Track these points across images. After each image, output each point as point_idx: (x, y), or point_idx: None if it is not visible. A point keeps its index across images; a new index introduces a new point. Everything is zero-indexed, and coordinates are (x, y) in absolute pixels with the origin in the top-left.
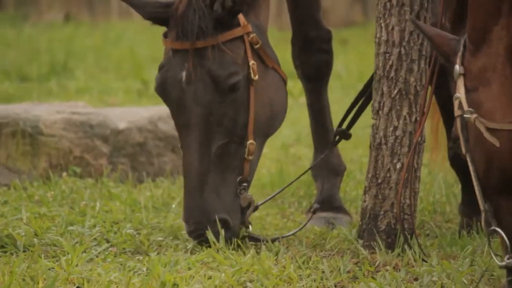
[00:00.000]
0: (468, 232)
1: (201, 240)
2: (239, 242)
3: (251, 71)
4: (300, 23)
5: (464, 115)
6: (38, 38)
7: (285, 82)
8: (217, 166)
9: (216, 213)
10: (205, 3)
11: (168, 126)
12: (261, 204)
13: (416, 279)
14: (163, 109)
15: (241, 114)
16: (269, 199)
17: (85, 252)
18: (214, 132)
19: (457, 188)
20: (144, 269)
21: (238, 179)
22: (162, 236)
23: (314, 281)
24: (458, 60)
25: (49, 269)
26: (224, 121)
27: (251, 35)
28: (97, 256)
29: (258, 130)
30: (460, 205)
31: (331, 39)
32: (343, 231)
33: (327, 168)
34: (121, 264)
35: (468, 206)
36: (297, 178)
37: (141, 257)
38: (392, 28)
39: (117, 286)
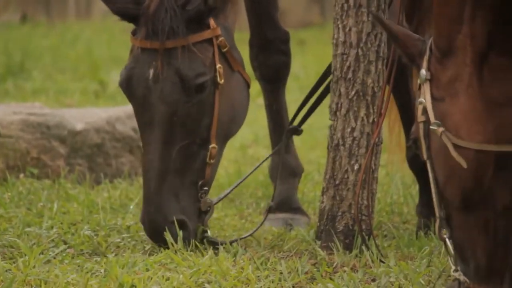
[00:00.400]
0: (426, 233)
1: (159, 241)
2: (197, 243)
3: (218, 74)
4: (259, 24)
5: (430, 126)
6: None
7: (248, 86)
8: (178, 167)
9: (173, 214)
10: (177, 3)
11: (126, 127)
12: (217, 202)
13: (373, 280)
14: (120, 110)
15: (205, 117)
16: (224, 196)
17: (42, 253)
18: (177, 132)
19: (415, 189)
20: (102, 270)
21: (200, 183)
22: (120, 237)
23: (272, 282)
24: (425, 64)
25: (6, 271)
26: (188, 122)
27: (220, 38)
28: (54, 258)
29: (220, 133)
30: (417, 206)
31: (289, 40)
32: (301, 232)
33: (285, 169)
34: (78, 266)
35: (426, 207)
36: (249, 174)
37: (99, 259)
38: (350, 29)
39: None
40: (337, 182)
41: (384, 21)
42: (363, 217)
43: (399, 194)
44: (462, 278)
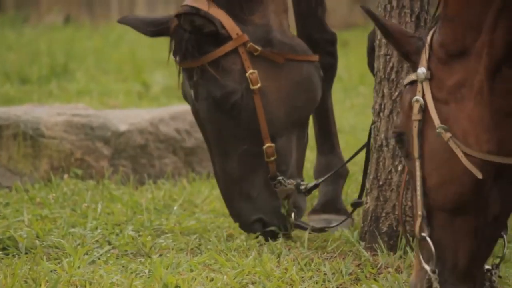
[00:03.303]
0: None
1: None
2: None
3: (250, 81)
4: (305, 25)
5: (437, 130)
6: (38, 40)
7: (310, 62)
8: (244, 172)
9: (251, 215)
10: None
11: (169, 128)
12: (311, 189)
13: None
14: (164, 111)
15: (250, 123)
16: (318, 183)
17: (87, 254)
18: (230, 143)
19: None
20: (146, 271)
21: (268, 176)
22: (164, 238)
23: (316, 283)
24: (424, 62)
25: (51, 271)
26: (236, 133)
27: (248, 45)
28: (99, 258)
29: (284, 128)
30: None
31: (336, 42)
32: (345, 233)
33: (330, 170)
34: (123, 266)
35: None
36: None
37: (143, 259)
38: None
39: None
40: (380, 183)
41: (377, 17)
42: (407, 218)
43: None
44: (435, 285)
